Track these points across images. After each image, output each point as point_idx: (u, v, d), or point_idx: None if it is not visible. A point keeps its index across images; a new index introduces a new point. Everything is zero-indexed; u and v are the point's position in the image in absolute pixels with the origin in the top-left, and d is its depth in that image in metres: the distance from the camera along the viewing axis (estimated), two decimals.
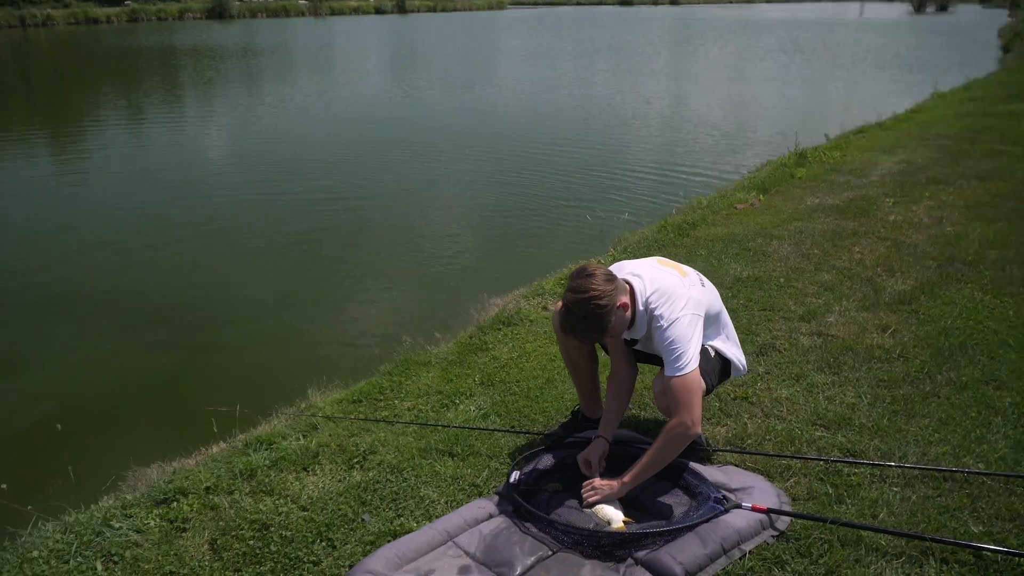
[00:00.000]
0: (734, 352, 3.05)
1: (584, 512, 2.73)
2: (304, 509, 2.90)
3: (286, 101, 19.53)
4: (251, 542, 2.70)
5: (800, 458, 2.99)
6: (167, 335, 6.27)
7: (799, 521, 2.62)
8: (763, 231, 6.38)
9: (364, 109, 18.59)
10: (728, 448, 3.12)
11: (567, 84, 23.10)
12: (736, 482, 2.83)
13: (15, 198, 10.80)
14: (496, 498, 2.84)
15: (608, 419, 2.98)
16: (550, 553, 2.55)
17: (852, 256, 5.48)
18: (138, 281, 7.47)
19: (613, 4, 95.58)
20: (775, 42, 37.99)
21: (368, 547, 2.65)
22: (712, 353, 2.96)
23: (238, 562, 2.61)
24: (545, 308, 4.92)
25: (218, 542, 2.71)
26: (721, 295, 4.81)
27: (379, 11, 68.04)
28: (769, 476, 2.95)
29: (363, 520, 2.81)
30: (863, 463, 2.93)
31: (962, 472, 2.83)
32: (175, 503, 2.95)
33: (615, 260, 5.80)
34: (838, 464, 2.94)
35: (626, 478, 2.72)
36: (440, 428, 3.40)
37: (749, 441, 3.18)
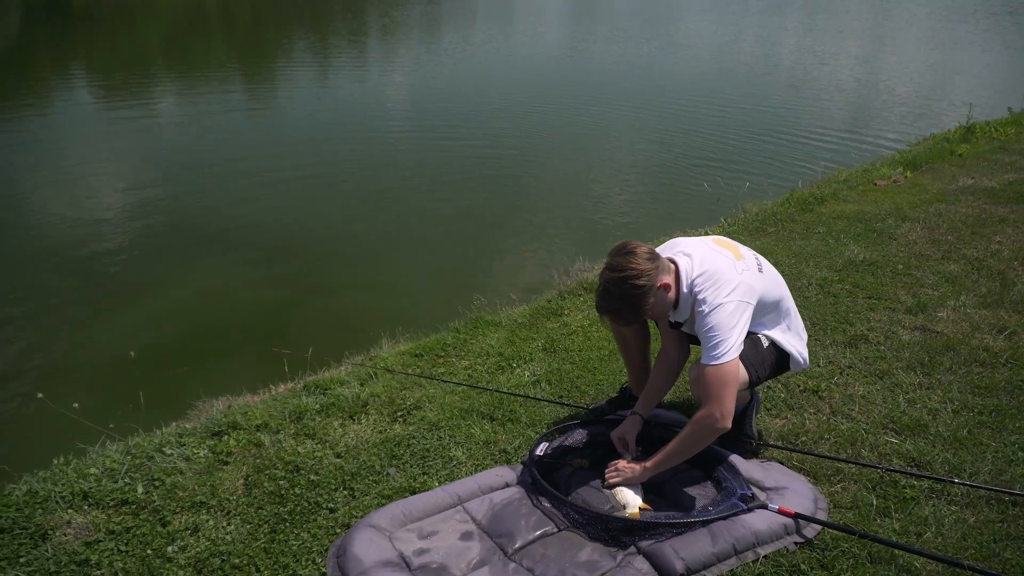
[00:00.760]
0: (794, 344, 2.81)
1: (604, 493, 2.64)
2: (338, 456, 2.99)
3: (464, 50, 20.00)
4: (281, 482, 2.83)
5: (854, 463, 2.74)
6: (283, 271, 6.66)
7: (831, 530, 2.41)
8: (897, 211, 5.84)
9: (538, 61, 18.69)
10: (777, 444, 2.91)
11: (748, 40, 22.05)
12: (772, 481, 2.64)
13: (201, 131, 11.76)
14: (520, 468, 2.80)
15: (648, 397, 2.86)
16: (555, 530, 2.49)
17: (989, 246, 4.90)
18: (277, 217, 7.97)
19: None
20: (982, 1, 34.24)
21: (386, 501, 2.70)
22: (766, 343, 2.74)
23: (263, 500, 2.74)
24: None
25: (251, 479, 2.86)
26: (827, 279, 4.54)
27: None
28: (816, 478, 2.72)
29: (388, 474, 2.87)
30: (923, 476, 2.64)
31: None
32: (225, 436, 3.13)
33: (725, 232, 5.53)
34: (896, 474, 2.67)
35: (648, 463, 2.60)
36: (486, 391, 3.39)
37: (804, 438, 2.95)
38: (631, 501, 2.55)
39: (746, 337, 2.68)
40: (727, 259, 2.65)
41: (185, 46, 22.50)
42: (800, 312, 4.05)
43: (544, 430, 3.06)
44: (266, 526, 2.60)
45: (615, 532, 2.44)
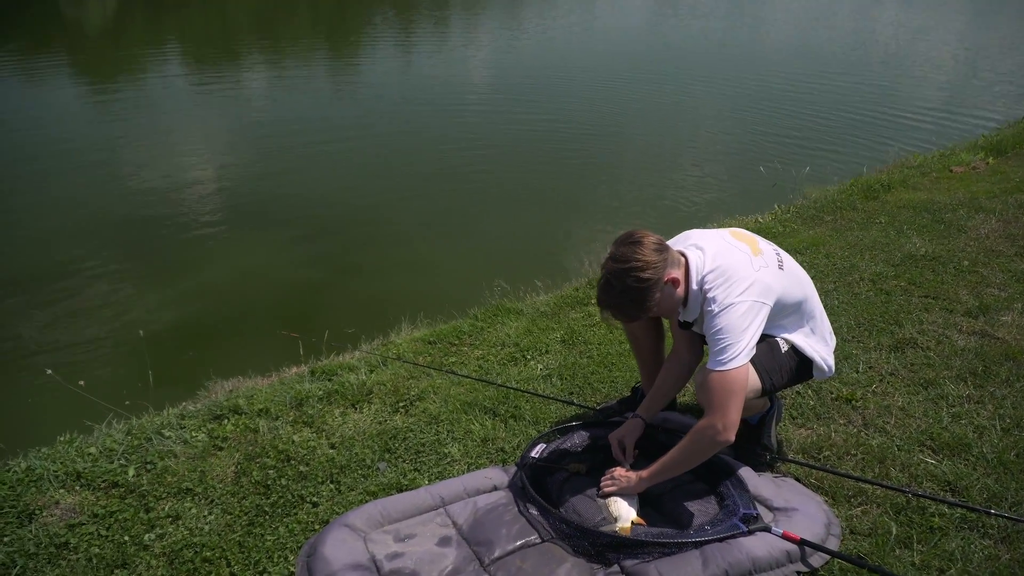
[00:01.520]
0: (819, 350, 2.54)
1: (597, 502, 2.46)
2: (332, 447, 2.90)
3: (542, 25, 19.84)
4: (269, 471, 2.75)
5: (878, 484, 2.48)
6: (323, 250, 6.66)
7: (840, 560, 2.17)
8: (972, 201, 5.39)
9: (623, 41, 18.34)
10: (795, 459, 2.67)
11: (841, 15, 21.14)
12: (781, 500, 2.41)
13: (279, 107, 12.02)
14: (513, 470, 2.65)
15: (652, 399, 2.66)
16: (538, 541, 2.33)
17: None
18: (331, 194, 8.00)
19: None
20: None
21: (371, 497, 2.59)
22: (784, 347, 2.49)
23: (248, 490, 2.67)
24: None
25: (241, 466, 2.79)
26: (881, 274, 4.19)
27: None
28: (834, 499, 2.48)
29: (378, 468, 2.76)
30: (956, 504, 2.36)
31: None
32: (225, 421, 3.08)
33: (776, 220, 5.20)
34: (925, 500, 2.40)
35: (644, 473, 2.41)
36: (491, 385, 3.24)
37: (828, 453, 2.70)
38: (624, 514, 2.36)
39: (761, 340, 2.45)
40: (743, 254, 2.40)
41: (271, 22, 22.99)
42: (845, 310, 3.79)
43: (546, 429, 2.90)
44: (245, 518, 2.53)
45: (601, 547, 2.26)
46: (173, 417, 3.14)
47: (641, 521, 2.34)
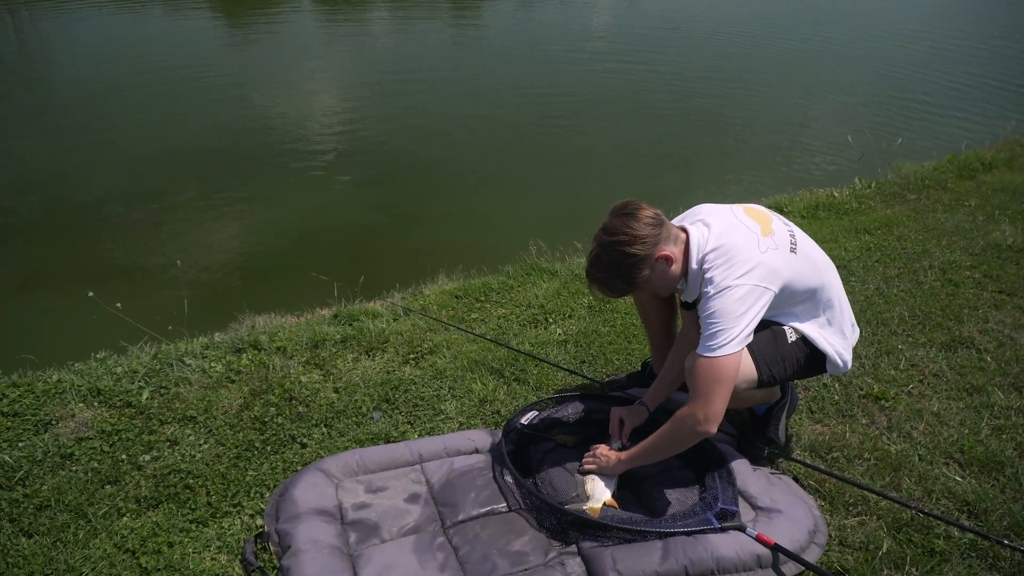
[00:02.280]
0: (834, 342, 2.34)
1: (575, 477, 2.38)
2: (335, 391, 2.93)
3: None
4: (270, 408, 2.81)
5: (881, 494, 2.28)
6: (393, 195, 6.70)
7: (814, 573, 2.03)
8: None
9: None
10: (794, 458, 2.49)
11: None
12: (767, 499, 2.26)
13: (397, 55, 12.22)
14: (500, 433, 2.60)
15: (658, 387, 2.52)
16: (505, 510, 2.28)
17: None
18: (416, 140, 8.05)
19: None
20: None
21: (358, 445, 2.61)
22: (793, 337, 2.31)
23: (247, 424, 2.73)
24: None
25: (246, 400, 2.86)
26: (954, 263, 3.84)
27: None
28: (832, 505, 2.31)
29: (372, 417, 2.76)
30: (967, 528, 2.14)
31: None
32: (243, 354, 3.16)
33: (853, 195, 4.84)
34: (932, 519, 2.20)
35: (624, 455, 2.31)
36: (501, 346, 3.17)
37: (837, 454, 2.51)
38: (597, 494, 2.28)
39: (767, 328, 2.29)
40: (751, 233, 2.21)
41: None
42: (903, 299, 3.50)
43: (548, 395, 2.82)
44: (235, 451, 2.59)
45: (565, 525, 2.19)
46: (199, 346, 3.25)
47: (613, 503, 2.26)
